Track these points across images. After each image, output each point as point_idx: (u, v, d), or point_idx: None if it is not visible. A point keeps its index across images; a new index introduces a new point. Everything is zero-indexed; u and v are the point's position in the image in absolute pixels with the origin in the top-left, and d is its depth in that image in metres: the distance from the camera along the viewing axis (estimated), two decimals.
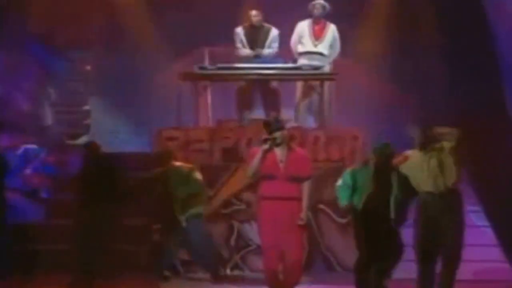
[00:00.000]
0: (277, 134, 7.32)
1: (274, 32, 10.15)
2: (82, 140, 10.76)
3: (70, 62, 11.34)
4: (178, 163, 8.74)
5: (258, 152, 7.36)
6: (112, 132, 10.30)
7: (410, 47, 10.93)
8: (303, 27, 10.21)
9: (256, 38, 10.11)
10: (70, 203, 8.76)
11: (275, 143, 7.32)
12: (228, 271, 9.07)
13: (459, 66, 10.54)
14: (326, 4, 10.16)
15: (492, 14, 9.94)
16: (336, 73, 10.00)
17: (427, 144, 7.24)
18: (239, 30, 10.16)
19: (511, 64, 9.76)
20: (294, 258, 7.34)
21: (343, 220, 9.26)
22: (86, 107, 11.40)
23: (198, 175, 8.65)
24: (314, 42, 10.15)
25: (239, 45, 10.15)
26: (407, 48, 10.92)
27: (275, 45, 10.16)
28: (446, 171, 7.14)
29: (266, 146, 7.31)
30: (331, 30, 10.20)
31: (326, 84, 9.99)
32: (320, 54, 10.12)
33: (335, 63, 10.21)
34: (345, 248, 9.20)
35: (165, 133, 9.56)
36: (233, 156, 9.41)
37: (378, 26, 10.98)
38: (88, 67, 11.45)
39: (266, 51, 10.09)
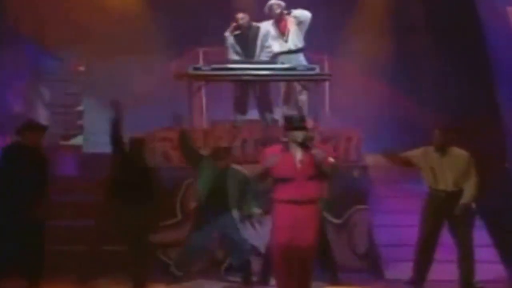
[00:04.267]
0: (300, 135, 6.80)
1: (263, 30, 10.12)
2: (76, 140, 10.75)
3: (63, 63, 11.29)
4: (237, 167, 8.59)
5: (272, 153, 6.85)
6: (106, 133, 10.16)
7: (404, 48, 11.03)
8: (268, 26, 10.18)
9: (246, 39, 10.08)
10: (63, 205, 8.71)
11: (299, 144, 6.79)
12: (222, 272, 9.02)
13: (453, 67, 10.68)
14: (282, 2, 10.13)
15: (486, 15, 10.00)
16: (331, 74, 10.02)
17: (446, 146, 8.03)
18: (228, 35, 10.14)
19: (504, 65, 9.78)
20: (307, 268, 6.93)
21: (338, 221, 9.29)
22: (80, 108, 11.32)
23: (253, 185, 8.42)
24: (283, 38, 10.14)
25: (229, 48, 10.13)
26: (401, 49, 11.01)
27: (267, 44, 10.13)
28: (458, 173, 7.97)
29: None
30: (292, 18, 10.13)
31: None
32: (296, 51, 10.09)
33: (330, 64, 10.25)
34: (339, 249, 9.18)
35: (159, 134, 9.53)
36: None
37: (373, 27, 10.99)
38: (81, 67, 11.40)
39: (263, 55, 10.07)
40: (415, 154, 8.28)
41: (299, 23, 10.13)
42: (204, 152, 8.66)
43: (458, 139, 8.06)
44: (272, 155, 6.83)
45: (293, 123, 6.80)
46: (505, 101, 9.80)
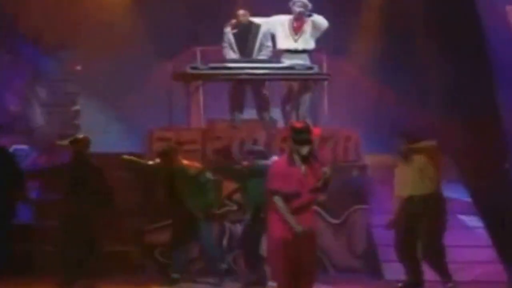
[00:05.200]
0: (306, 149, 6.45)
1: (263, 29, 10.00)
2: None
3: (60, 62, 11.21)
4: (186, 162, 8.54)
5: (283, 168, 6.51)
6: (103, 133, 10.10)
7: (403, 48, 10.90)
8: (283, 21, 10.08)
9: (245, 37, 9.98)
10: (60, 204, 8.61)
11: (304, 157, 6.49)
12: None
13: (452, 67, 10.57)
14: (308, 2, 10.03)
15: (485, 14, 9.98)
16: (330, 73, 9.98)
17: (409, 155, 7.86)
18: (228, 30, 10.03)
19: (504, 65, 9.74)
20: (309, 277, 6.56)
21: (336, 221, 9.28)
22: (76, 107, 11.27)
23: (209, 175, 8.49)
24: (294, 37, 10.04)
25: (225, 45, 10.01)
26: (400, 49, 10.89)
27: (268, 43, 10.03)
28: (425, 178, 7.81)
29: None
30: (310, 21, 10.04)
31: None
32: (302, 51, 10.02)
33: (329, 64, 10.21)
34: (338, 249, 9.24)
35: (156, 134, 9.49)
36: (225, 157, 9.32)
37: (372, 27, 10.95)
38: (78, 67, 11.33)
39: (261, 55, 9.96)
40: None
41: (314, 28, 10.04)
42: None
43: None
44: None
45: (301, 136, 6.48)
46: (505, 101, 9.76)
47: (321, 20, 10.03)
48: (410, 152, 7.87)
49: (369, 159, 9.48)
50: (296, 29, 10.04)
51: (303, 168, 6.48)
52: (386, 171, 8.87)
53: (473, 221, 9.33)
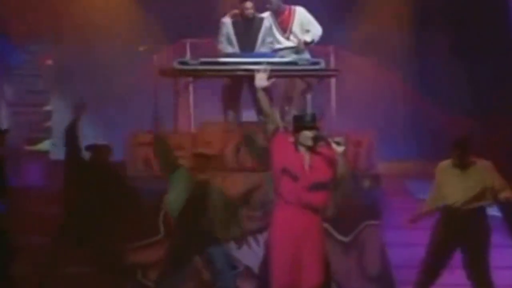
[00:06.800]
0: (310, 135, 6.19)
1: (266, 23, 9.61)
2: (42, 145, 10.36)
3: (29, 55, 10.82)
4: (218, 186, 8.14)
5: (284, 141, 6.29)
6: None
7: (419, 40, 10.71)
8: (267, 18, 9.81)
9: (247, 31, 9.55)
10: (25, 219, 8.37)
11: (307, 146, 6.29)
12: None
13: (473, 60, 10.38)
14: None
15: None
16: (338, 69, 9.63)
17: (467, 161, 7.59)
18: (227, 21, 9.57)
19: None
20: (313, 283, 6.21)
21: (346, 238, 8.88)
22: (47, 108, 10.88)
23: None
24: (284, 36, 9.70)
25: (222, 39, 9.59)
26: (416, 41, 10.72)
27: (271, 39, 9.62)
28: (478, 191, 7.52)
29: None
30: (298, 14, 9.68)
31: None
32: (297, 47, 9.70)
33: (337, 58, 9.88)
34: (347, 270, 8.86)
35: (140, 138, 9.13)
36: (218, 165, 8.75)
37: (385, 16, 10.73)
38: (50, 61, 10.95)
39: (262, 50, 9.58)
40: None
41: (305, 30, 9.62)
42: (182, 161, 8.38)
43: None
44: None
45: (303, 123, 6.31)
46: None
47: (315, 25, 9.60)
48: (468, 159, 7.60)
49: (383, 168, 9.14)
50: (284, 26, 9.66)
51: (307, 158, 6.26)
52: (403, 181, 9.00)
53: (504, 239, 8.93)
